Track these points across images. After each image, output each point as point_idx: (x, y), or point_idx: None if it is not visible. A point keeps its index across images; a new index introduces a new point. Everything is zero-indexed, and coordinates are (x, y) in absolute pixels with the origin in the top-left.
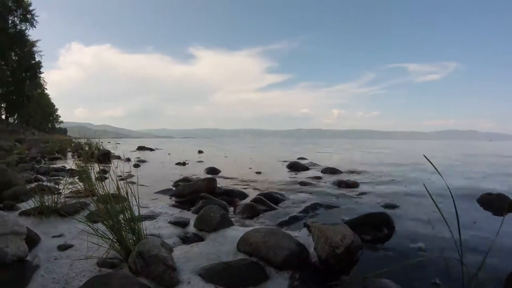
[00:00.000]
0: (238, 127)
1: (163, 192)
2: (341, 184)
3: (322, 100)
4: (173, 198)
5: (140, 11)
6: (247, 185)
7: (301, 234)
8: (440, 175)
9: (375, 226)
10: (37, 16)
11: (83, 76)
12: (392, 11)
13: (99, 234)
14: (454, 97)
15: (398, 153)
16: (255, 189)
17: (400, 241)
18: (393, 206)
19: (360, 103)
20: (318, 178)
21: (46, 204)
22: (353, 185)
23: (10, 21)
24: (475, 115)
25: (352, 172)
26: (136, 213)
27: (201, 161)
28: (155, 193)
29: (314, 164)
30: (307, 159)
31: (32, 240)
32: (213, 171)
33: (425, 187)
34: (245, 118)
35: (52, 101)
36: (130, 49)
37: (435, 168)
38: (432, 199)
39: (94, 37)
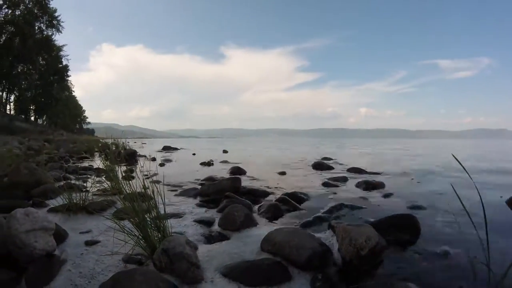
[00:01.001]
0: (263, 127)
1: (188, 191)
2: (366, 184)
3: (350, 99)
4: (198, 197)
5: (172, 10)
6: (271, 184)
7: (325, 235)
8: (469, 175)
9: (400, 228)
10: (62, 22)
11: (113, 77)
12: (426, 5)
13: (125, 231)
14: (485, 94)
15: (424, 153)
16: (279, 188)
17: (425, 244)
18: (419, 207)
19: (388, 101)
20: (343, 178)
21: (74, 201)
22: (378, 185)
23: (36, 27)
24: (506, 113)
25: (377, 172)
26: (162, 211)
27: (226, 161)
28: (180, 192)
29: (339, 164)
30: (331, 158)
31: (60, 236)
32: (237, 170)
33: (453, 189)
34: (271, 117)
35: (80, 102)
36: (161, 50)
37: (464, 168)
38: (460, 201)
39: (125, 37)
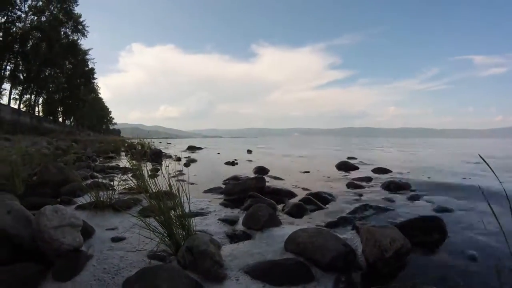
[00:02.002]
0: (288, 126)
1: (213, 190)
2: (391, 185)
3: (378, 97)
4: (222, 196)
5: (202, 9)
6: (295, 184)
7: (349, 236)
8: (497, 177)
9: (426, 230)
10: (87, 26)
11: (141, 78)
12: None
13: (150, 229)
14: None
15: (450, 152)
16: (303, 188)
17: (451, 248)
18: (446, 210)
19: (417, 99)
20: (368, 178)
21: (101, 199)
22: (404, 186)
23: (62, 33)
24: None
25: (403, 172)
26: (187, 210)
27: (250, 160)
28: (205, 191)
29: (364, 164)
30: (356, 158)
31: (87, 232)
32: (261, 170)
33: (481, 190)
34: (296, 116)
35: (108, 104)
36: (191, 49)
37: (492, 170)
38: (489, 204)
39: (155, 37)
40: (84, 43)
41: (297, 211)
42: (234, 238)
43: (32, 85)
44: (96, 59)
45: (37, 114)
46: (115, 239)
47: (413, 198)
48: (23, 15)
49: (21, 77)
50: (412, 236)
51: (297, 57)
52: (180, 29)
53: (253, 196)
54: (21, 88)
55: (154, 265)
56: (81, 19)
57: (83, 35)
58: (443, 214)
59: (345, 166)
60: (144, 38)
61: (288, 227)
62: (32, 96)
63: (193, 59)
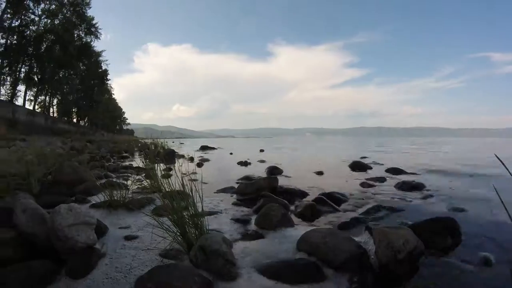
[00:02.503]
0: (301, 126)
1: (226, 190)
2: (405, 185)
3: (393, 96)
4: (235, 196)
5: (218, 8)
6: (308, 184)
7: (361, 237)
8: None
9: (440, 231)
10: (100, 29)
11: (155, 78)
12: None
13: (163, 228)
14: None
15: (464, 152)
16: (316, 188)
17: (466, 250)
18: (461, 210)
19: (433, 98)
20: (381, 178)
21: (115, 198)
22: (417, 186)
23: (76, 35)
24: None
25: (416, 172)
26: (199, 209)
27: (263, 160)
28: (217, 190)
29: (377, 164)
30: (369, 158)
31: (101, 230)
32: (274, 170)
33: (496, 191)
34: (310, 116)
35: (122, 104)
36: (206, 49)
37: (507, 170)
38: (504, 205)
39: (170, 37)
40: (97, 45)
41: (310, 212)
42: (246, 237)
43: (46, 86)
44: (112, 60)
45: (52, 115)
46: (128, 238)
47: (427, 198)
48: (36, 19)
49: (36, 79)
50: (426, 237)
51: (314, 56)
52: (196, 29)
53: (265, 196)
54: (35, 89)
55: (167, 264)
56: (93, 22)
57: (96, 37)
58: (457, 214)
59: (358, 166)
60: (160, 38)
61: (300, 227)
62: (47, 97)
63: (209, 59)
